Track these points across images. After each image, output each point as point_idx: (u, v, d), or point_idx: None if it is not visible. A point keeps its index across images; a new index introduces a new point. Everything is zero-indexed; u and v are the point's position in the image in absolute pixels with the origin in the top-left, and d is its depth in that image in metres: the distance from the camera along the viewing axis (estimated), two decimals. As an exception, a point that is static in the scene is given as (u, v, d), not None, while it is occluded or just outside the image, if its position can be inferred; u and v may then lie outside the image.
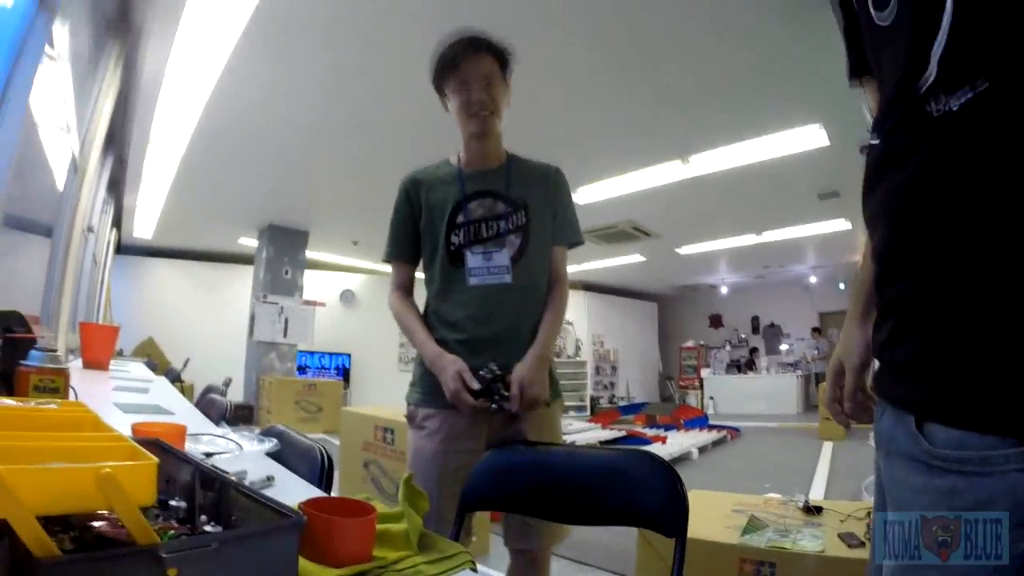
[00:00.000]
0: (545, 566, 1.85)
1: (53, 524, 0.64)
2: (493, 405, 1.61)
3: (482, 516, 3.63)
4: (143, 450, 0.62)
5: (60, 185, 3.61)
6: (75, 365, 4.07)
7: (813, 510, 2.60)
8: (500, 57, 1.74)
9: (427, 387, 1.75)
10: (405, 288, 1.90)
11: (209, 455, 1.41)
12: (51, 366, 1.19)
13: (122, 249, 10.60)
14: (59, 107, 2.97)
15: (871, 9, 0.82)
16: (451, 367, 1.63)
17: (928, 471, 0.70)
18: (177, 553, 0.50)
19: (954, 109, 0.68)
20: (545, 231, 1.82)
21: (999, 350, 0.64)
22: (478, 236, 1.75)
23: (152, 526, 0.70)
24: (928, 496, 0.71)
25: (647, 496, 1.27)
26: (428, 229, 1.80)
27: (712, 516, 2.56)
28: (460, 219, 1.77)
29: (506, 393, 1.61)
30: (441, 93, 1.80)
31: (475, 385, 1.60)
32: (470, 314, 1.72)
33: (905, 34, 0.75)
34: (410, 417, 1.81)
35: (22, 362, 1.19)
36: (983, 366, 0.65)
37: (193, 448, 1.44)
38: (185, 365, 7.74)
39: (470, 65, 1.69)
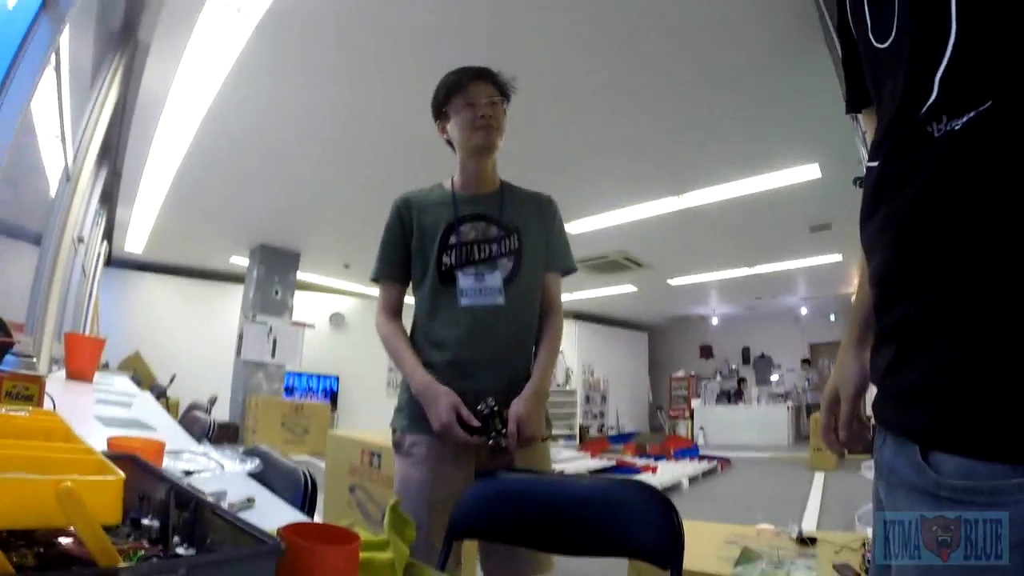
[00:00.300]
0: None
1: (17, 539, 0.60)
2: (490, 441, 1.56)
3: (470, 544, 3.56)
4: (111, 464, 0.58)
5: (53, 194, 3.58)
6: (58, 376, 4.00)
7: (807, 541, 2.55)
8: (503, 91, 1.78)
9: (414, 413, 1.70)
10: (393, 310, 1.85)
11: (188, 473, 1.36)
12: (25, 372, 1.14)
13: (112, 262, 10.52)
14: (55, 116, 2.94)
15: (870, 34, 0.81)
16: (444, 399, 1.59)
17: (935, 502, 0.67)
18: (141, 578, 0.46)
19: (956, 128, 0.66)
20: (537, 257, 1.81)
21: (1007, 373, 0.60)
22: (470, 258, 1.74)
23: (122, 545, 0.66)
24: None
25: (642, 527, 1.23)
26: (419, 250, 1.78)
27: (704, 547, 2.51)
28: (452, 240, 1.75)
29: (503, 429, 1.57)
30: (442, 117, 1.81)
31: (474, 423, 1.57)
32: (460, 335, 1.69)
33: (906, 56, 0.73)
34: (397, 444, 1.76)
35: (-4, 367, 1.15)
36: (991, 390, 0.62)
37: (172, 466, 1.39)
38: (171, 381, 7.63)
39: (477, 87, 1.73)
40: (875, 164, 0.80)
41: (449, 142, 1.84)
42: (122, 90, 4.26)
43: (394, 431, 1.78)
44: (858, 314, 1.01)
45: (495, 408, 1.59)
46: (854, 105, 0.99)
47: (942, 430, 0.66)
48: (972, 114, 0.64)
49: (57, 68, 2.58)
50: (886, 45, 0.78)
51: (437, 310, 1.74)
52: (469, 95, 1.73)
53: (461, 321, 1.70)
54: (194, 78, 4.34)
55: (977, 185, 0.64)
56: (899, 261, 0.73)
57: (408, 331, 1.81)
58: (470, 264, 1.73)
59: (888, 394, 0.77)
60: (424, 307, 1.77)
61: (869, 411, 0.90)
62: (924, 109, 0.69)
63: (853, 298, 1.06)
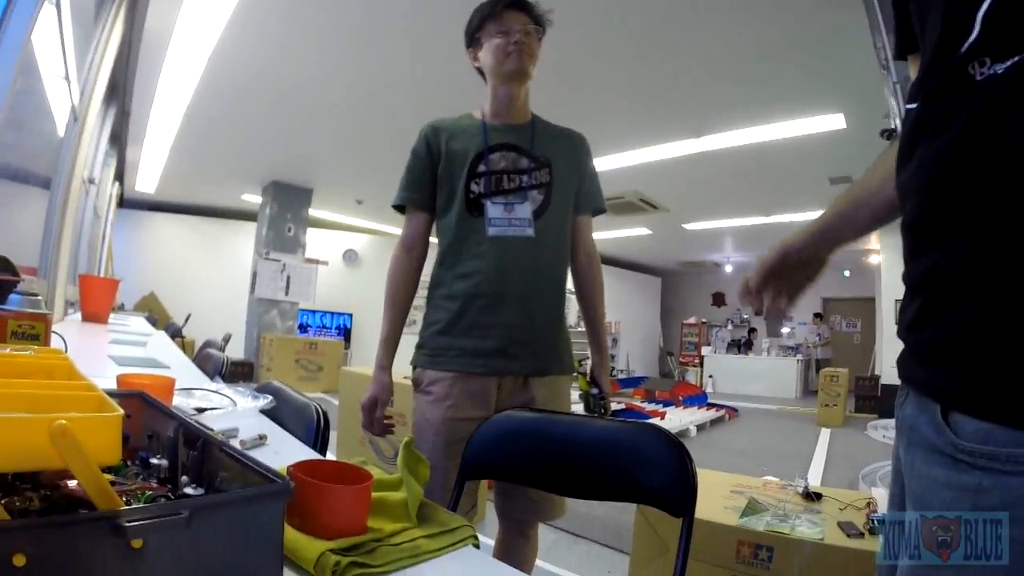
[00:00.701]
0: (536, 536, 1.85)
1: (23, 482, 0.58)
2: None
3: (480, 482, 3.61)
4: (111, 402, 0.55)
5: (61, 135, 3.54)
6: (74, 318, 4.03)
7: (813, 496, 2.56)
8: (538, 21, 1.74)
9: (434, 348, 1.70)
10: (412, 243, 1.80)
11: (201, 410, 1.36)
12: (30, 311, 1.12)
13: (125, 203, 10.52)
14: (59, 56, 2.87)
15: None
16: (376, 386, 1.75)
17: (953, 465, 0.65)
18: (142, 522, 0.44)
19: (999, 73, 0.61)
20: (568, 192, 1.78)
21: None
22: (499, 187, 1.70)
23: (129, 486, 0.64)
24: (951, 492, 0.65)
25: (654, 472, 1.22)
26: (446, 177, 1.73)
27: (710, 496, 2.52)
28: (481, 168, 1.71)
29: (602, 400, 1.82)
30: (474, 44, 1.76)
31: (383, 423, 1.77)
32: (487, 265, 1.66)
33: None
34: (415, 381, 1.76)
35: (0, 306, 1.12)
36: (1016, 354, 0.58)
37: (185, 403, 1.39)
38: (186, 321, 7.69)
39: (512, 15, 1.69)
40: (914, 106, 0.75)
41: (480, 71, 1.79)
42: (126, 28, 4.17)
43: (413, 367, 1.78)
44: (837, 204, 1.04)
45: (600, 396, 1.84)
46: (902, 50, 0.93)
47: (962, 391, 0.64)
48: (1017, 58, 0.59)
49: (57, 5, 2.51)
50: None
51: (463, 240, 1.70)
52: (504, 22, 1.69)
53: (488, 252, 1.66)
54: (199, 12, 4.22)
55: (1017, 137, 0.59)
56: (931, 207, 0.69)
57: (438, 257, 1.78)
58: (499, 193, 1.70)
59: (911, 349, 0.74)
60: (449, 236, 1.73)
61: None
62: (964, 48, 0.64)
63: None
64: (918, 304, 0.71)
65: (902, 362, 0.77)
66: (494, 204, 1.68)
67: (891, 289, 9.10)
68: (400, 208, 1.83)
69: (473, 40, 1.76)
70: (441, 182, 1.74)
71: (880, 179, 0.93)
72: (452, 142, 1.74)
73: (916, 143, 0.73)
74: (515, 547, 1.81)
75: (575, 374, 1.88)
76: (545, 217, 1.70)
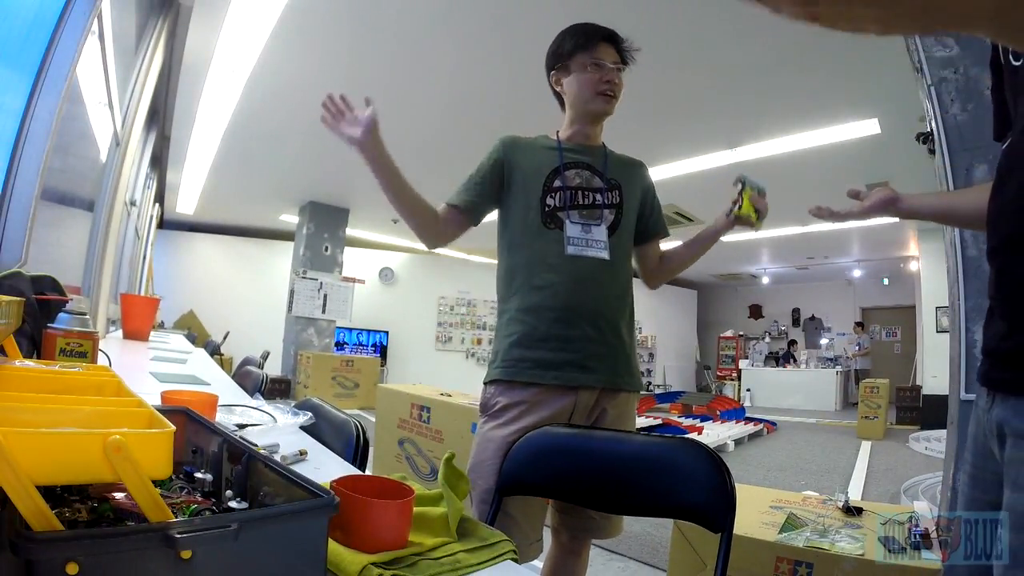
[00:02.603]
0: (587, 554, 1.83)
1: (71, 494, 0.60)
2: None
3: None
4: (162, 418, 0.57)
5: (103, 160, 3.65)
6: (116, 335, 4.13)
7: (853, 511, 2.51)
8: (625, 59, 1.78)
9: (509, 360, 1.67)
10: (446, 221, 1.79)
11: (242, 426, 1.38)
12: (79, 329, 1.16)
13: (165, 224, 10.79)
14: (101, 83, 2.97)
15: (1010, 56, 0.93)
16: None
17: None
18: (191, 534, 0.45)
19: None
20: (632, 216, 1.82)
21: None
22: (574, 201, 1.73)
23: (174, 499, 0.65)
24: None
25: (693, 488, 1.20)
26: (521, 190, 1.75)
27: (749, 511, 2.48)
28: (557, 183, 1.74)
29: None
30: (560, 69, 1.79)
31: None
32: (564, 280, 1.67)
33: None
34: (483, 405, 1.71)
35: (50, 325, 1.16)
36: None
37: (226, 419, 1.41)
38: (225, 338, 7.83)
39: (606, 49, 1.73)
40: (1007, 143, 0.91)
41: (558, 96, 1.84)
42: (166, 54, 4.29)
43: (485, 387, 1.73)
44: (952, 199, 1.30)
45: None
46: (999, 132, 1.05)
47: None
48: None
49: (101, 36, 2.59)
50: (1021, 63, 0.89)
51: (538, 253, 1.71)
52: (599, 55, 1.72)
53: (564, 267, 1.68)
54: (238, 37, 4.34)
55: None
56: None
57: (508, 271, 1.76)
58: (574, 208, 1.72)
59: (994, 353, 0.88)
60: (523, 250, 1.73)
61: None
62: None
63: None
64: (1005, 324, 0.85)
65: (990, 372, 0.90)
66: (572, 224, 1.70)
67: (932, 296, 8.87)
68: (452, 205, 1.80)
69: (560, 65, 1.79)
70: (516, 195, 1.76)
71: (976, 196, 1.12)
72: (527, 156, 1.78)
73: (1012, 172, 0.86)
74: (567, 565, 1.79)
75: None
76: (615, 238, 1.74)
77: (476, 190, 1.78)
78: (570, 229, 1.69)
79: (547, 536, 1.78)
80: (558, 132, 1.84)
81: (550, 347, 1.63)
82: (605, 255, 1.70)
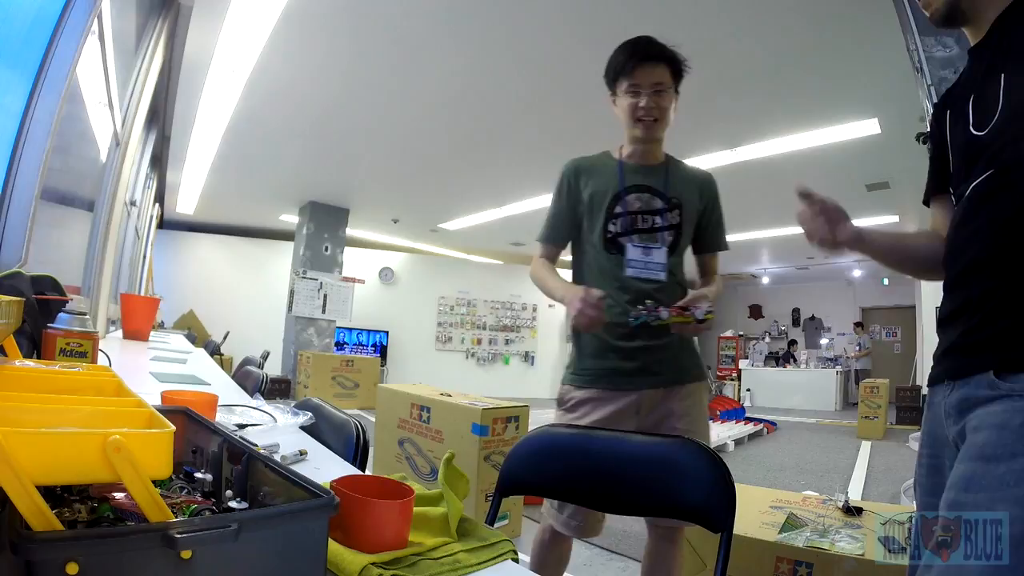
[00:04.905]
0: (683, 541, 1.91)
1: (71, 494, 0.60)
2: (642, 308, 1.65)
3: (515, 498, 3.60)
4: (162, 418, 0.57)
5: (103, 160, 3.64)
6: (115, 335, 4.13)
7: (853, 511, 2.51)
8: (674, 67, 1.81)
9: (582, 369, 1.81)
10: (550, 260, 1.97)
11: (242, 426, 1.38)
12: (79, 329, 1.15)
13: (165, 224, 10.77)
14: (101, 83, 2.97)
15: (970, 127, 1.07)
16: (580, 290, 1.66)
17: (1012, 401, 0.91)
18: (192, 534, 0.45)
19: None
20: (690, 232, 1.87)
21: None
22: (634, 227, 1.80)
23: (174, 499, 0.65)
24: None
25: (693, 488, 1.21)
26: (587, 214, 1.86)
27: (749, 511, 2.48)
28: (618, 209, 1.81)
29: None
30: (612, 92, 1.87)
31: (598, 294, 1.63)
32: (625, 300, 1.75)
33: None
34: (560, 399, 1.86)
35: (50, 325, 1.16)
36: None
37: (226, 419, 1.41)
38: (225, 338, 7.81)
39: (644, 71, 1.76)
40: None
41: None
42: (166, 54, 4.29)
43: (561, 386, 1.88)
44: (893, 239, 1.37)
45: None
46: (932, 193, 1.27)
47: (1013, 357, 0.94)
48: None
49: (101, 36, 2.59)
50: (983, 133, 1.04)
51: (599, 275, 1.82)
52: (635, 79, 1.76)
53: (624, 290, 1.77)
54: (238, 37, 4.33)
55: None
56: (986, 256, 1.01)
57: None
58: (634, 233, 1.80)
59: (959, 348, 1.05)
60: (586, 270, 1.87)
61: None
62: None
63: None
64: (962, 326, 1.04)
65: (948, 363, 1.08)
66: (633, 247, 1.79)
67: (931, 297, 8.84)
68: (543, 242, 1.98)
69: (610, 90, 1.86)
70: (583, 217, 1.87)
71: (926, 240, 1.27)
72: (590, 183, 1.86)
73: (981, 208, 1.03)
74: (663, 553, 1.87)
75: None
76: (672, 259, 1.81)
77: (558, 224, 1.93)
78: (631, 252, 1.78)
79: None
80: (621, 148, 1.89)
81: (618, 358, 1.76)
82: (662, 276, 1.78)
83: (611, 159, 1.89)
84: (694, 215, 1.87)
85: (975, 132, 1.06)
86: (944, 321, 1.10)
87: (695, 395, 1.81)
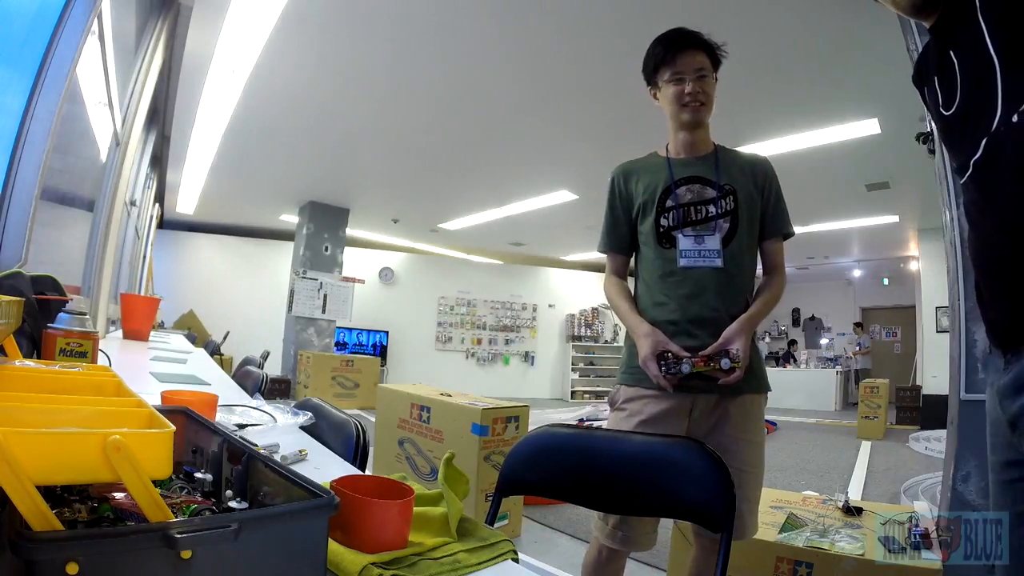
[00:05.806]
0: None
1: (71, 494, 0.60)
2: (681, 364, 1.62)
3: (515, 498, 3.60)
4: (162, 418, 0.57)
5: (103, 160, 3.64)
6: (115, 335, 4.13)
7: (853, 511, 2.51)
8: (712, 53, 1.81)
9: (634, 368, 1.77)
10: (619, 274, 1.96)
11: (242, 426, 1.38)
12: (79, 329, 1.15)
13: (165, 224, 10.77)
14: (101, 83, 2.97)
15: (940, 108, 1.07)
16: (650, 336, 1.68)
17: None
18: (192, 534, 0.45)
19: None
20: (752, 218, 1.83)
21: None
22: (687, 219, 1.79)
23: (174, 499, 0.65)
24: None
25: (693, 488, 1.21)
26: (641, 214, 1.85)
27: (751, 511, 2.48)
28: (669, 203, 1.80)
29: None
30: (653, 86, 1.87)
31: (683, 354, 1.63)
32: (680, 294, 1.75)
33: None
34: (611, 399, 1.86)
35: (50, 325, 1.16)
36: None
37: (226, 419, 1.41)
38: (225, 338, 7.82)
39: (685, 59, 1.77)
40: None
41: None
42: (166, 54, 4.28)
43: (615, 387, 1.87)
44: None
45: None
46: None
47: None
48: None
49: (101, 36, 2.59)
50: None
51: (658, 270, 1.80)
52: (677, 67, 1.77)
53: (681, 281, 1.76)
54: (238, 37, 4.33)
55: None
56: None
57: (637, 287, 1.90)
58: (687, 225, 1.78)
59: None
60: (646, 267, 1.85)
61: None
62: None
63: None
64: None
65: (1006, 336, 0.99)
66: (685, 237, 1.77)
67: (932, 296, 8.86)
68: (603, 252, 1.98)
69: (651, 82, 1.86)
70: (636, 219, 1.87)
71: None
72: (639, 182, 1.86)
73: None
74: (709, 564, 1.82)
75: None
76: (731, 246, 1.77)
77: (615, 231, 1.93)
78: (683, 243, 1.77)
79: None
80: (667, 146, 1.89)
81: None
82: (718, 263, 1.74)
83: (658, 157, 1.89)
84: (750, 200, 1.82)
85: (944, 112, 1.06)
86: (993, 292, 1.04)
87: (752, 406, 1.75)
